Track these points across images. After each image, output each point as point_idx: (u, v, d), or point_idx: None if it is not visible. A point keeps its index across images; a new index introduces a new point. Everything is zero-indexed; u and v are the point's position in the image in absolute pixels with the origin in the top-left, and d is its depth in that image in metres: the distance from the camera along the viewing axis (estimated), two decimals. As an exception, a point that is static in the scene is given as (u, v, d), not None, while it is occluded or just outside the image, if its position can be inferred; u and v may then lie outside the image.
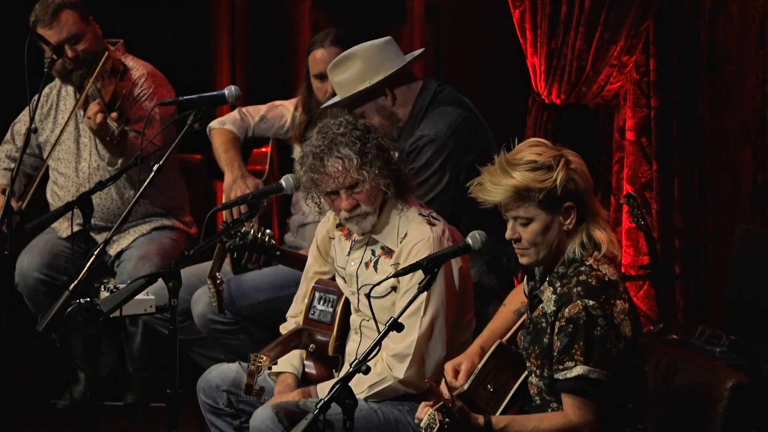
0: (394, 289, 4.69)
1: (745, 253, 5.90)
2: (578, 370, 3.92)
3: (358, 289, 4.80)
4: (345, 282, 4.87)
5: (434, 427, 3.81)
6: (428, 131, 5.30)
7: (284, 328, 5.00)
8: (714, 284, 6.60)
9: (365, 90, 5.30)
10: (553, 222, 4.01)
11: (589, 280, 3.97)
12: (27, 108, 6.23)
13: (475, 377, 4.15)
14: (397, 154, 4.76)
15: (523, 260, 4.10)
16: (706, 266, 6.64)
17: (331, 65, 5.39)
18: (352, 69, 5.32)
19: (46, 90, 6.18)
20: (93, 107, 5.75)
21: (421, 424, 3.85)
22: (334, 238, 4.94)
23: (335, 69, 5.36)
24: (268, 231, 5.17)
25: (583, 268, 4.00)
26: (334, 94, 5.67)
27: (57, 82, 6.22)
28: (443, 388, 4.13)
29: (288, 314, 5.05)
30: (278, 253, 5.23)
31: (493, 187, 4.00)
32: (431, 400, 3.93)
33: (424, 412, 3.90)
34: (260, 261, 5.19)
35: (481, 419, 3.93)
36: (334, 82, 5.38)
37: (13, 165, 6.25)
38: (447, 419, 3.82)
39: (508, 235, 4.06)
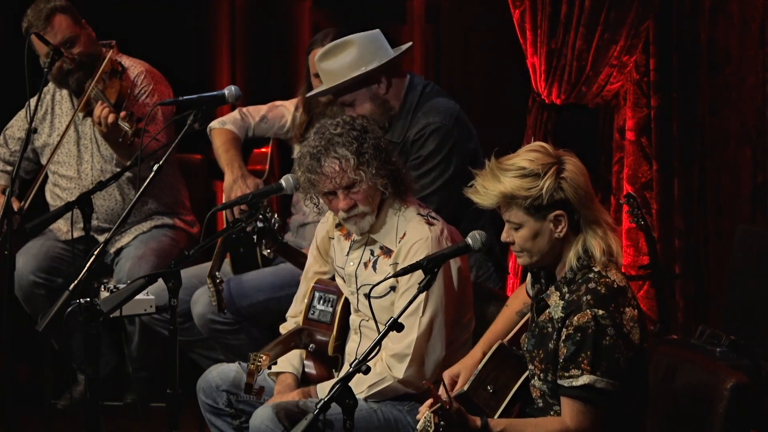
0: (393, 288, 4.69)
1: (745, 253, 5.90)
2: (585, 379, 3.90)
3: (357, 289, 4.80)
4: (344, 282, 4.87)
5: (429, 429, 3.81)
6: (433, 119, 5.32)
7: (284, 328, 5.00)
8: (714, 284, 6.59)
9: (362, 75, 5.30)
10: (541, 229, 4.00)
11: (599, 288, 3.95)
12: (19, 113, 6.23)
13: (475, 378, 4.15)
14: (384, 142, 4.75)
15: (520, 261, 4.11)
16: (706, 266, 6.63)
17: (320, 54, 5.38)
18: (347, 55, 5.32)
19: (42, 94, 6.18)
20: (100, 110, 5.73)
21: (417, 426, 3.85)
22: (333, 238, 4.94)
23: (326, 57, 5.35)
24: (277, 217, 5.16)
25: (591, 275, 3.98)
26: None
27: (51, 86, 6.21)
28: (441, 389, 4.14)
29: (288, 314, 5.05)
30: (284, 242, 5.23)
31: (483, 191, 4.01)
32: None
33: (422, 414, 3.90)
34: (273, 248, 5.16)
35: (478, 421, 3.92)
36: (324, 70, 5.36)
37: (9, 168, 6.25)
38: (442, 422, 3.81)
39: (502, 237, 4.07)
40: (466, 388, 4.13)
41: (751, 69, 6.53)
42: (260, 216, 5.01)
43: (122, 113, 5.71)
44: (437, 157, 5.28)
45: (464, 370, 4.27)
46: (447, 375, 4.29)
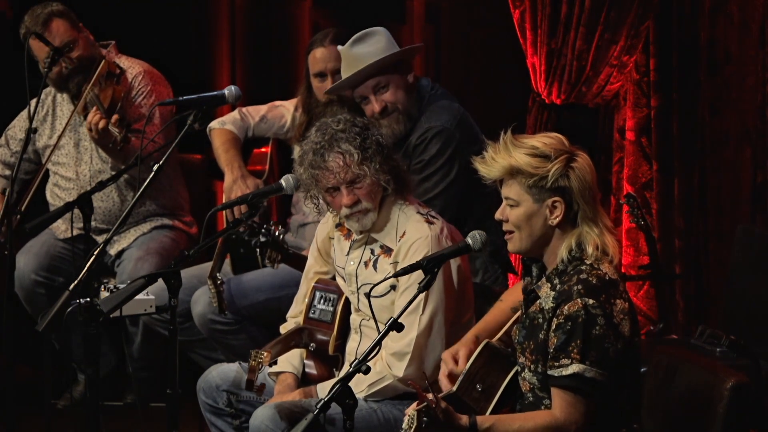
0: (393, 288, 4.70)
1: (745, 253, 5.90)
2: (574, 368, 3.92)
3: (358, 289, 4.80)
4: (345, 281, 4.87)
5: (412, 426, 3.82)
6: (435, 123, 5.32)
7: (284, 329, 5.00)
8: (714, 284, 6.60)
9: (400, 54, 5.32)
10: (538, 212, 4.03)
11: (590, 278, 3.97)
12: (21, 113, 6.23)
13: (463, 378, 4.15)
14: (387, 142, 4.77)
15: (509, 246, 4.12)
16: (706, 266, 6.64)
17: (349, 43, 5.36)
18: (379, 41, 5.34)
19: (42, 96, 6.18)
20: (93, 116, 5.74)
21: (403, 426, 3.86)
22: (333, 239, 4.94)
23: (357, 43, 5.34)
24: (282, 228, 5.16)
25: (583, 267, 4.01)
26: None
27: (52, 89, 6.20)
28: (443, 379, 4.15)
29: (288, 315, 5.05)
30: (290, 252, 5.23)
31: (492, 162, 4.05)
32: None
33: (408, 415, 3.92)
34: (277, 259, 5.17)
35: (465, 419, 3.93)
36: (356, 54, 5.33)
37: (8, 171, 6.24)
38: (425, 418, 3.83)
39: (496, 215, 4.10)
40: (455, 388, 4.13)
41: (751, 69, 6.53)
42: (263, 230, 5.02)
43: (113, 118, 5.71)
44: (439, 161, 5.28)
45: (463, 346, 4.27)
46: (448, 353, 4.29)
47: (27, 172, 6.23)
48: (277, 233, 5.11)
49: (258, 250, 5.08)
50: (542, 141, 4.05)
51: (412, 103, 5.38)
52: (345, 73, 5.39)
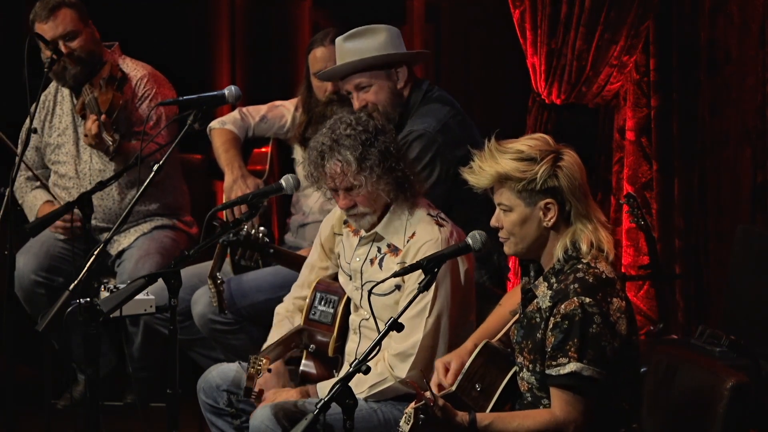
0: (398, 287, 4.69)
1: (745, 253, 5.90)
2: (571, 366, 3.92)
3: (362, 285, 4.79)
4: (350, 279, 4.86)
5: (409, 422, 3.83)
6: (417, 126, 5.31)
7: (281, 307, 4.98)
8: (714, 284, 6.60)
9: (392, 56, 5.30)
10: (531, 215, 4.03)
11: (587, 277, 3.97)
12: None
13: (462, 377, 4.16)
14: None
15: (505, 248, 4.12)
16: (706, 266, 6.64)
17: (344, 36, 5.35)
18: (376, 38, 5.32)
19: (42, 97, 6.17)
20: (89, 124, 5.76)
21: (400, 423, 3.87)
22: (341, 235, 4.94)
23: (352, 38, 5.33)
24: (262, 228, 5.17)
25: (580, 266, 4.01)
26: (334, 91, 5.66)
27: (52, 87, 6.20)
28: (434, 379, 4.15)
29: (286, 297, 5.04)
30: (271, 250, 5.22)
31: (479, 170, 4.05)
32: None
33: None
34: (254, 258, 5.18)
35: (465, 416, 3.94)
36: (347, 49, 5.32)
37: (38, 182, 6.24)
38: (422, 415, 3.83)
39: (491, 222, 4.10)
40: (454, 387, 4.14)
41: (751, 69, 6.54)
42: (234, 230, 5.02)
43: (102, 117, 5.72)
44: (419, 164, 5.26)
45: (456, 358, 4.28)
46: (440, 362, 4.31)
47: (46, 177, 6.24)
48: (252, 232, 5.11)
49: (229, 249, 5.09)
50: (527, 144, 4.04)
51: (393, 107, 5.35)
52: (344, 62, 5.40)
